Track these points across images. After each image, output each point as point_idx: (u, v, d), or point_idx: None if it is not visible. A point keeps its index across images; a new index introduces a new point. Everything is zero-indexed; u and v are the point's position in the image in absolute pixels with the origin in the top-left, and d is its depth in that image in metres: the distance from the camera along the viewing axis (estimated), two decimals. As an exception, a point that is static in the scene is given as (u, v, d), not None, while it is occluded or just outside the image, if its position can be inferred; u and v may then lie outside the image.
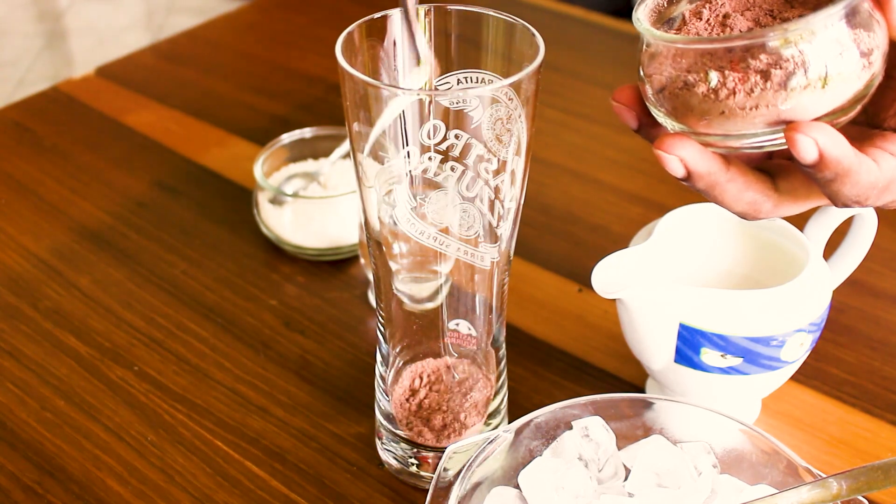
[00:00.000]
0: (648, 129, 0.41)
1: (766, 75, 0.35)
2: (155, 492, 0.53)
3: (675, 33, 0.39)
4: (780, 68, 0.34)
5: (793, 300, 0.51)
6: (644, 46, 0.39)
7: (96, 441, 0.57)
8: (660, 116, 0.39)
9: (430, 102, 0.42)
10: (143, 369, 0.62)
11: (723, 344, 0.51)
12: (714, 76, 0.36)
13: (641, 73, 0.39)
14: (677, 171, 0.39)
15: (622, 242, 0.60)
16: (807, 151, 0.36)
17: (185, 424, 0.58)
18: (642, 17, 0.39)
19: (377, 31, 0.45)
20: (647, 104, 0.40)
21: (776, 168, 0.41)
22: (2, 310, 0.67)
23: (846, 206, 0.39)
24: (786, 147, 0.37)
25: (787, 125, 0.36)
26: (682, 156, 0.38)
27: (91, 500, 0.53)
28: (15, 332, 0.65)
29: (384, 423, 0.53)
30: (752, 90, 0.35)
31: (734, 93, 0.35)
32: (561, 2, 1.11)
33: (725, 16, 0.39)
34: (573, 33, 1.04)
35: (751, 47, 0.35)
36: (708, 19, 0.39)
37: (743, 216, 0.41)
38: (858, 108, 0.37)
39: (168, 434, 0.57)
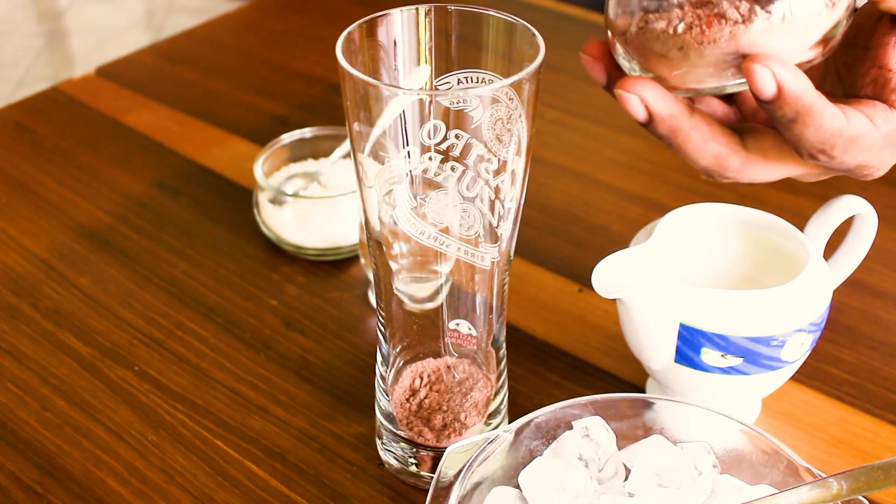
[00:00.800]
0: (616, 82, 0.40)
1: (724, 11, 0.34)
2: (155, 492, 0.53)
3: None
4: (742, 5, 0.34)
5: (793, 300, 0.51)
6: None
7: (96, 441, 0.57)
8: (624, 64, 0.39)
9: (431, 102, 0.42)
10: (143, 369, 0.62)
11: (723, 344, 0.51)
12: (673, 13, 0.35)
13: (609, 20, 0.38)
14: (638, 112, 0.38)
15: (622, 242, 0.60)
16: (765, 84, 0.35)
17: (185, 424, 0.58)
18: None
19: (377, 31, 0.45)
20: (613, 53, 0.39)
21: (746, 129, 0.40)
22: (2, 310, 0.67)
23: (812, 156, 0.38)
24: (747, 88, 0.36)
25: (745, 57, 0.35)
26: (643, 95, 0.37)
27: (91, 499, 0.53)
28: (15, 332, 0.65)
29: (384, 422, 0.53)
30: (712, 27, 0.35)
31: (692, 29, 0.35)
32: (561, 2, 1.11)
33: None
34: (573, 33, 1.04)
35: None
36: None
37: (708, 173, 0.40)
38: (822, 53, 0.36)
39: (168, 434, 0.57)
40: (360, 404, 0.59)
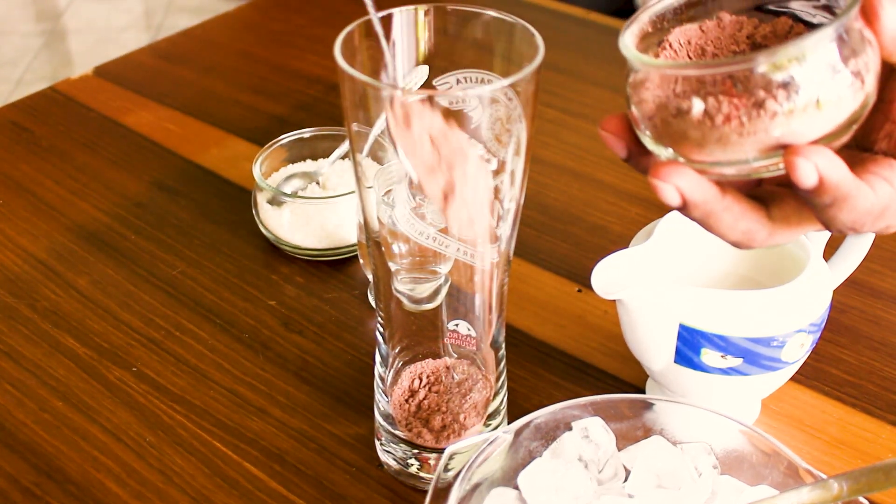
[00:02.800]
0: (639, 157, 0.40)
1: (759, 100, 0.34)
2: (153, 493, 0.53)
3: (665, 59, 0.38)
4: (773, 93, 0.34)
5: (793, 300, 0.51)
6: (632, 73, 0.38)
7: (95, 442, 0.56)
8: (650, 145, 0.38)
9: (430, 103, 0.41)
10: (141, 370, 0.61)
11: (723, 344, 0.50)
12: (707, 102, 0.35)
13: (630, 100, 0.38)
14: (673, 200, 0.38)
15: (622, 242, 0.60)
16: (807, 176, 0.35)
17: (183, 425, 0.57)
18: (629, 42, 0.38)
19: (376, 31, 0.45)
20: (637, 133, 0.39)
21: (768, 195, 0.40)
22: (0, 310, 0.66)
23: (841, 232, 0.38)
24: (783, 173, 0.36)
25: (786, 149, 0.35)
26: (678, 184, 0.37)
27: (89, 501, 0.53)
28: (13, 332, 0.65)
29: (383, 423, 0.53)
30: (745, 115, 0.34)
31: (728, 119, 0.35)
32: (561, 2, 1.11)
33: (711, 42, 0.38)
34: (573, 33, 1.04)
35: (744, 71, 0.34)
36: (694, 45, 0.39)
37: (736, 245, 0.40)
38: (853, 130, 0.36)
39: (167, 435, 0.57)
40: (359, 405, 0.59)
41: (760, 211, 0.39)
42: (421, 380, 0.51)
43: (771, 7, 0.40)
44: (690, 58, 0.39)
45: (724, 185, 0.38)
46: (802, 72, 0.34)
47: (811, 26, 0.38)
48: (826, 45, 0.34)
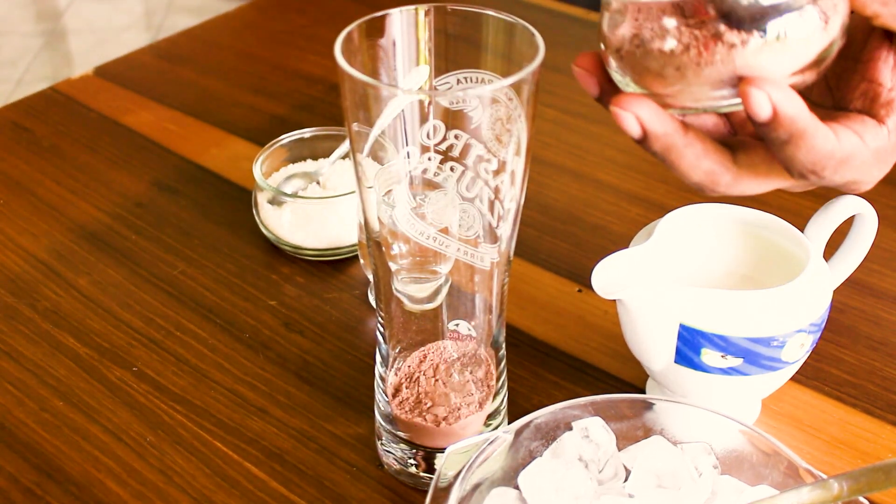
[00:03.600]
0: (609, 96, 0.40)
1: (718, 32, 0.34)
2: (154, 493, 0.53)
3: None
4: (737, 25, 0.34)
5: (793, 300, 0.51)
6: (604, 6, 0.38)
7: (95, 442, 0.56)
8: (618, 79, 0.39)
9: (430, 102, 0.42)
10: (142, 370, 0.62)
11: (723, 344, 0.50)
12: (670, 32, 0.35)
13: (603, 34, 0.38)
14: (633, 129, 0.38)
15: (622, 242, 0.60)
16: (760, 107, 0.35)
17: (184, 425, 0.57)
18: None
19: (377, 31, 0.45)
20: (607, 68, 0.39)
21: (737, 143, 0.40)
22: (0, 310, 0.67)
23: (802, 176, 0.38)
24: (740, 108, 0.36)
25: (741, 80, 0.35)
26: (638, 113, 0.37)
27: (90, 501, 0.53)
28: (13, 332, 0.65)
29: (384, 423, 0.53)
30: (707, 47, 0.35)
31: (689, 49, 0.35)
32: (561, 2, 1.11)
33: None
34: (573, 33, 1.04)
35: (707, 2, 0.34)
36: None
37: (700, 188, 0.40)
38: (816, 73, 0.36)
39: (167, 435, 0.57)
40: (360, 405, 0.59)
41: (725, 153, 0.39)
42: (423, 364, 0.51)
43: None
44: None
45: (687, 122, 0.38)
46: (764, 4, 0.34)
47: None
48: None
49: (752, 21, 0.34)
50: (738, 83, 0.36)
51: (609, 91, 0.40)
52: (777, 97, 0.35)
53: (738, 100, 0.36)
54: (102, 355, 0.63)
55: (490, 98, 0.41)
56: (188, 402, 0.59)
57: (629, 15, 0.36)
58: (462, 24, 0.46)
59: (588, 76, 0.40)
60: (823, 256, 0.56)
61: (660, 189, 0.78)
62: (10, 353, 0.63)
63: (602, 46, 0.39)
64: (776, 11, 0.34)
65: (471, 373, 0.51)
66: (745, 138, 0.41)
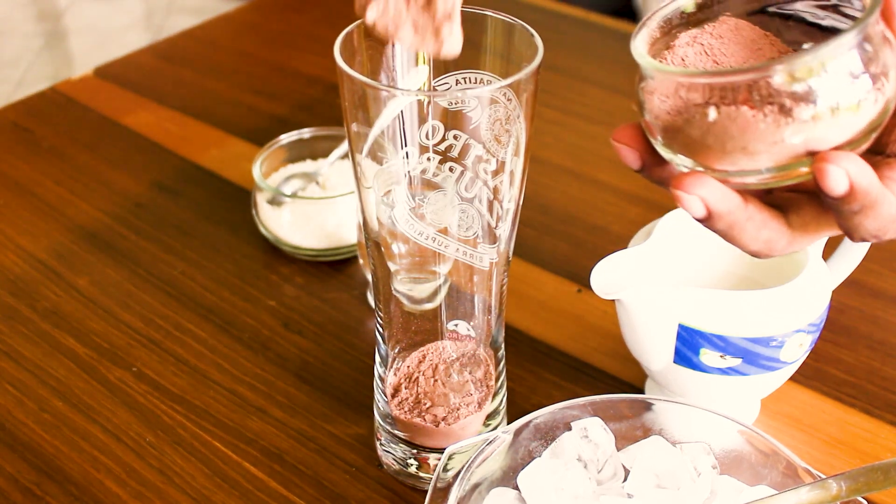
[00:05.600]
0: (652, 168, 0.39)
1: (783, 107, 0.33)
2: (153, 493, 0.53)
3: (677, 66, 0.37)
4: (796, 100, 0.33)
5: (792, 300, 0.51)
6: (646, 80, 0.37)
7: (95, 442, 0.56)
8: (668, 154, 0.37)
9: (429, 103, 0.42)
10: (141, 370, 0.62)
11: (722, 345, 0.51)
12: (728, 110, 0.34)
13: (644, 108, 0.37)
14: (698, 211, 0.36)
15: (621, 243, 0.60)
16: (837, 183, 0.34)
17: (183, 425, 0.58)
18: (642, 49, 0.37)
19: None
20: (653, 142, 0.38)
21: (784, 202, 0.39)
22: (0, 310, 0.67)
23: (863, 239, 0.37)
24: (807, 179, 0.35)
25: (815, 157, 0.34)
26: (702, 195, 0.36)
27: (89, 501, 0.53)
28: (13, 333, 0.65)
29: (383, 423, 0.53)
30: (767, 123, 0.33)
31: (749, 127, 0.34)
32: (561, 2, 1.11)
33: (722, 46, 0.38)
34: (573, 33, 1.04)
35: (766, 78, 0.33)
36: (705, 50, 0.38)
37: (755, 255, 0.39)
38: (874, 136, 0.35)
39: (166, 435, 0.57)
40: (359, 405, 0.59)
41: (781, 219, 0.38)
42: (422, 364, 0.51)
43: (774, 10, 0.40)
44: (716, 62, 0.38)
45: (745, 194, 0.37)
46: (823, 79, 0.33)
47: (821, 29, 0.38)
48: (846, 51, 0.33)
49: (812, 96, 0.33)
50: (803, 155, 0.34)
51: (651, 163, 0.39)
52: (854, 172, 0.34)
53: (805, 171, 0.35)
54: (102, 355, 0.63)
55: (489, 98, 0.41)
56: (187, 402, 0.59)
57: (682, 90, 0.35)
58: (462, 24, 0.46)
59: (630, 151, 0.39)
60: (822, 256, 0.56)
61: (659, 189, 0.78)
62: (9, 354, 0.63)
63: (646, 120, 0.37)
64: (835, 85, 0.33)
65: (470, 373, 0.52)
66: (788, 195, 0.40)
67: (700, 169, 0.36)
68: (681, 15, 0.39)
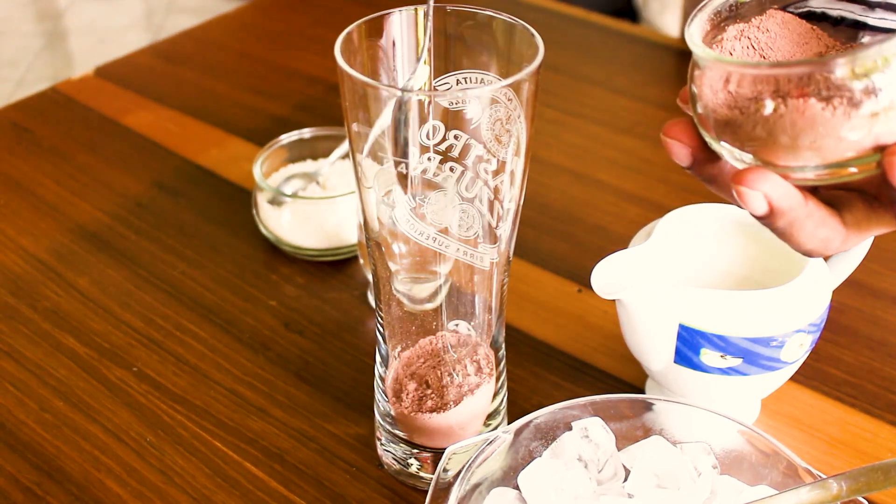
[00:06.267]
0: (703, 164, 0.38)
1: (858, 100, 0.32)
2: (154, 493, 0.53)
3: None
4: (864, 93, 0.32)
5: (792, 300, 0.51)
6: (703, 72, 0.35)
7: (95, 442, 0.56)
8: (723, 149, 0.36)
9: (430, 103, 0.42)
10: (142, 370, 0.62)
11: (722, 344, 0.51)
12: (796, 103, 0.33)
13: (699, 102, 0.36)
14: (760, 208, 0.35)
15: (622, 243, 0.60)
16: None
17: (183, 425, 0.58)
18: (698, 38, 0.36)
19: (376, 32, 0.45)
20: (706, 137, 0.37)
21: (835, 199, 0.38)
22: (1, 310, 0.67)
23: None
24: (872, 174, 0.34)
25: (886, 150, 0.33)
26: (766, 191, 0.35)
27: (90, 500, 0.53)
28: (14, 332, 0.65)
29: (383, 423, 0.53)
30: (836, 116, 0.33)
31: (817, 120, 0.33)
32: (561, 2, 1.11)
33: (772, 40, 0.37)
34: (573, 33, 1.04)
35: (833, 71, 0.32)
36: (756, 43, 0.37)
37: (809, 254, 0.38)
38: None
39: (167, 435, 0.57)
40: (359, 405, 0.59)
41: (837, 217, 0.37)
42: (422, 363, 0.51)
43: (791, 10, 0.39)
44: (763, 57, 0.37)
45: (804, 191, 0.36)
46: (889, 72, 0.32)
47: (870, 28, 0.37)
48: None
49: (880, 89, 0.32)
50: (868, 149, 0.34)
51: (702, 160, 0.38)
52: None
53: (870, 166, 0.34)
54: (102, 355, 0.63)
55: (489, 98, 0.41)
56: (188, 402, 0.59)
57: (743, 82, 0.34)
58: (462, 24, 0.46)
59: (682, 147, 0.38)
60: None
61: (659, 189, 0.78)
62: (10, 354, 0.63)
63: (697, 114, 0.36)
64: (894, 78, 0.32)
65: (470, 364, 0.52)
66: (838, 193, 0.39)
67: (759, 164, 0.35)
68: (730, 7, 0.38)
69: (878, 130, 0.33)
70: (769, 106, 0.34)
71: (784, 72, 0.33)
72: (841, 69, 0.32)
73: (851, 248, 0.39)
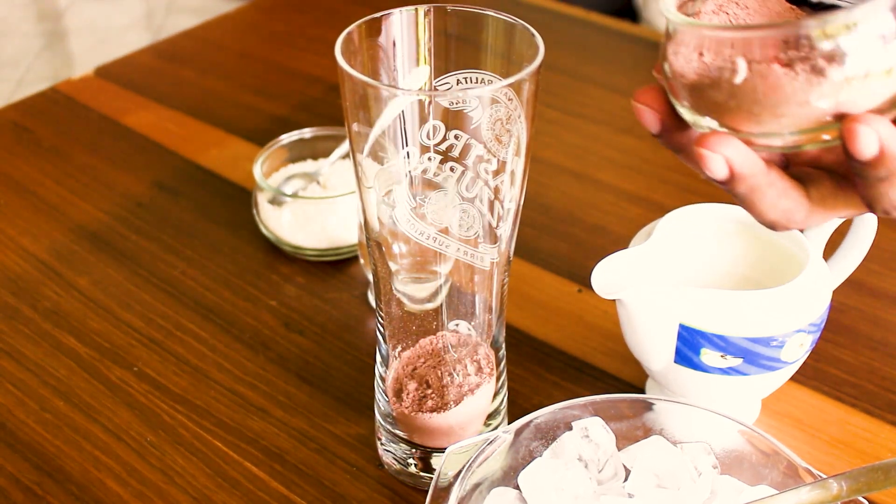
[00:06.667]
0: (671, 132, 0.38)
1: (815, 67, 0.32)
2: (154, 492, 0.53)
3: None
4: (831, 60, 0.32)
5: (793, 300, 0.51)
6: (672, 37, 0.36)
7: (95, 442, 0.56)
8: (690, 115, 0.37)
9: (430, 103, 0.42)
10: (142, 370, 0.62)
11: (723, 344, 0.51)
12: (759, 67, 0.33)
13: (669, 67, 0.36)
14: (720, 171, 0.36)
15: (622, 243, 0.60)
16: (867, 146, 0.33)
17: (184, 425, 0.58)
18: (671, 4, 0.36)
19: (377, 31, 0.45)
20: (675, 103, 0.37)
21: (804, 175, 0.38)
22: (1, 310, 0.67)
23: (886, 212, 0.36)
24: (835, 143, 0.34)
25: (845, 118, 0.33)
26: (727, 154, 0.35)
27: (90, 500, 0.53)
28: (14, 332, 0.65)
29: (384, 423, 0.53)
30: (800, 82, 0.33)
31: (781, 86, 0.33)
32: (561, 2, 1.11)
33: (747, 8, 0.37)
34: (573, 33, 1.04)
35: (799, 36, 0.32)
36: (732, 12, 0.37)
37: (772, 226, 0.38)
38: None
39: (167, 435, 0.57)
40: (360, 405, 0.59)
41: (801, 190, 0.38)
42: (422, 362, 0.51)
43: None
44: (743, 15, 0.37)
45: (768, 160, 0.36)
46: (857, 40, 0.32)
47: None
48: (882, 13, 0.32)
49: (849, 56, 0.32)
50: (832, 117, 0.34)
51: (671, 127, 0.38)
52: (885, 135, 0.33)
53: (831, 138, 0.34)
54: (103, 355, 0.63)
55: (490, 98, 0.41)
56: (188, 401, 0.59)
57: (710, 46, 0.34)
58: (462, 24, 0.46)
59: (651, 113, 0.38)
60: (823, 256, 0.56)
61: (660, 189, 0.78)
62: (10, 353, 0.63)
63: (668, 82, 0.36)
64: (869, 46, 0.32)
65: (470, 363, 0.52)
66: (807, 170, 0.39)
67: (724, 130, 0.36)
68: None
69: (842, 99, 0.33)
70: (735, 71, 0.34)
71: (750, 34, 0.33)
72: (808, 33, 0.32)
73: (817, 225, 0.39)
